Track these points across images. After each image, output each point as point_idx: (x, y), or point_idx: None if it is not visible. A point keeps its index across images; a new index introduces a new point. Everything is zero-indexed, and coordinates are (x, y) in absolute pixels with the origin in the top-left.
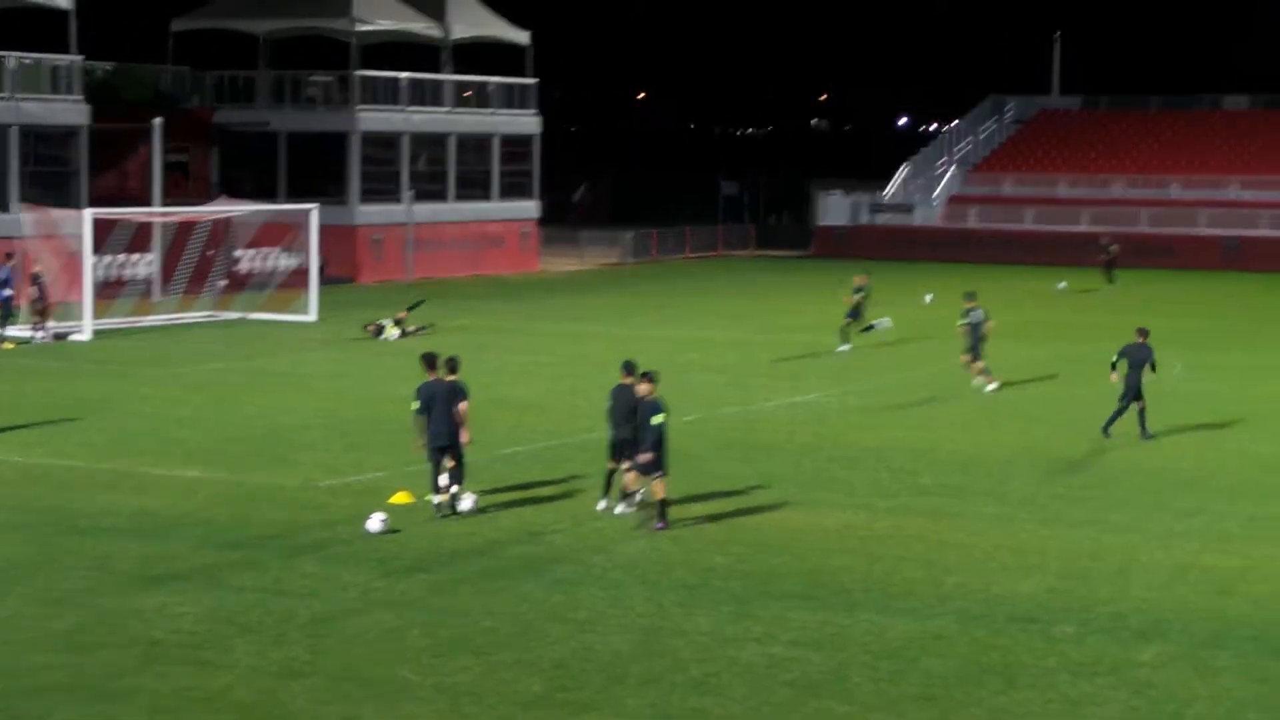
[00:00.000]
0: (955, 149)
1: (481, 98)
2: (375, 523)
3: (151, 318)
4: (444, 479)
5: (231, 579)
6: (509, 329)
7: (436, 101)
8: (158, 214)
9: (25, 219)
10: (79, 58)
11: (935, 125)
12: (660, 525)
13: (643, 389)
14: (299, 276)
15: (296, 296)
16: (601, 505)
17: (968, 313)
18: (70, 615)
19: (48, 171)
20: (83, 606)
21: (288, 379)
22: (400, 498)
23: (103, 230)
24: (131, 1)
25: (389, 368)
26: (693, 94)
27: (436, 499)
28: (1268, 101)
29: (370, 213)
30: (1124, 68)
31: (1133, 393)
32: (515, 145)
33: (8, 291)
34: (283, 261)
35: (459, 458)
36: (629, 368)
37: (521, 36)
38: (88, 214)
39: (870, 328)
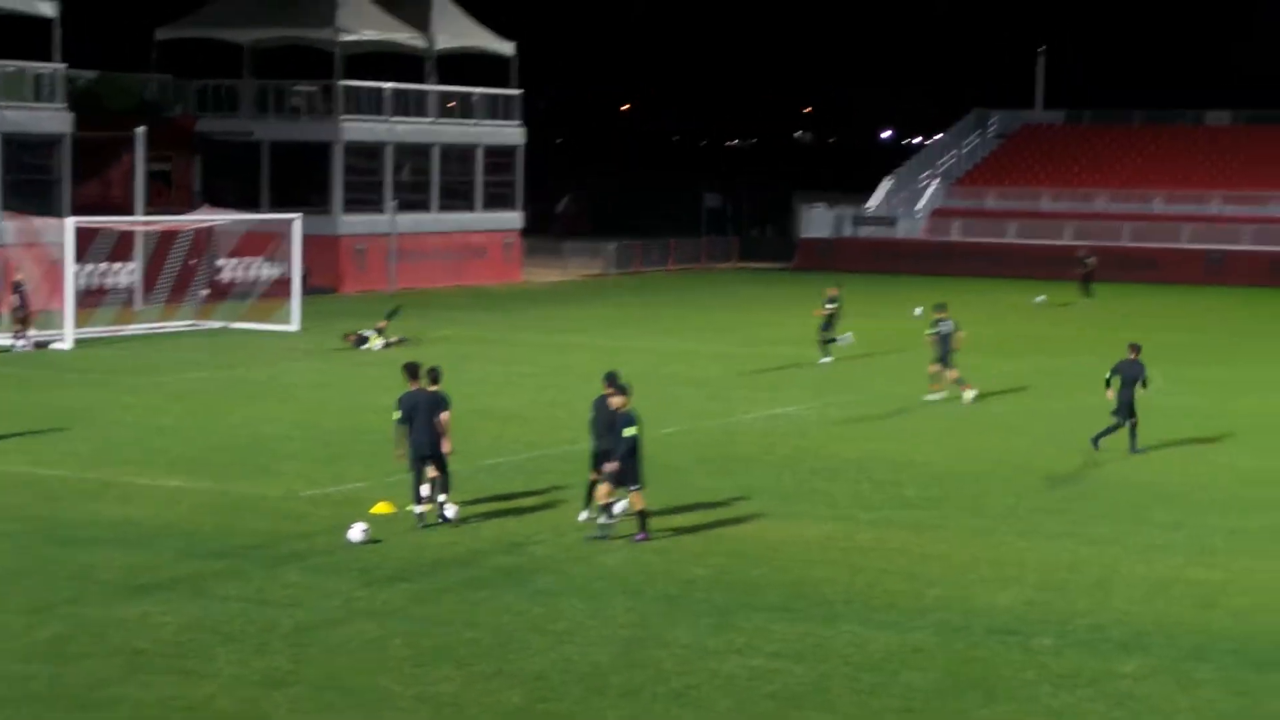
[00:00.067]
0: (939, 162)
1: (465, 108)
2: (357, 533)
3: (133, 326)
4: (425, 489)
5: (214, 588)
6: (492, 339)
7: (420, 112)
8: (140, 223)
9: (7, 227)
10: (62, 66)
11: (919, 139)
12: (641, 536)
13: (615, 401)
14: (281, 286)
15: (279, 306)
16: (584, 516)
17: (937, 323)
18: (53, 625)
19: (30, 179)
20: (66, 616)
21: (270, 389)
22: (381, 508)
23: (85, 239)
24: (115, 10)
25: (371, 378)
26: (677, 106)
27: (419, 509)
28: (1250, 117)
29: (353, 223)
30: (1107, 83)
31: (1126, 409)
32: (499, 156)
33: None
34: (265, 271)
35: (443, 467)
36: (612, 379)
37: (506, 47)
38: (70, 222)
39: (834, 340)
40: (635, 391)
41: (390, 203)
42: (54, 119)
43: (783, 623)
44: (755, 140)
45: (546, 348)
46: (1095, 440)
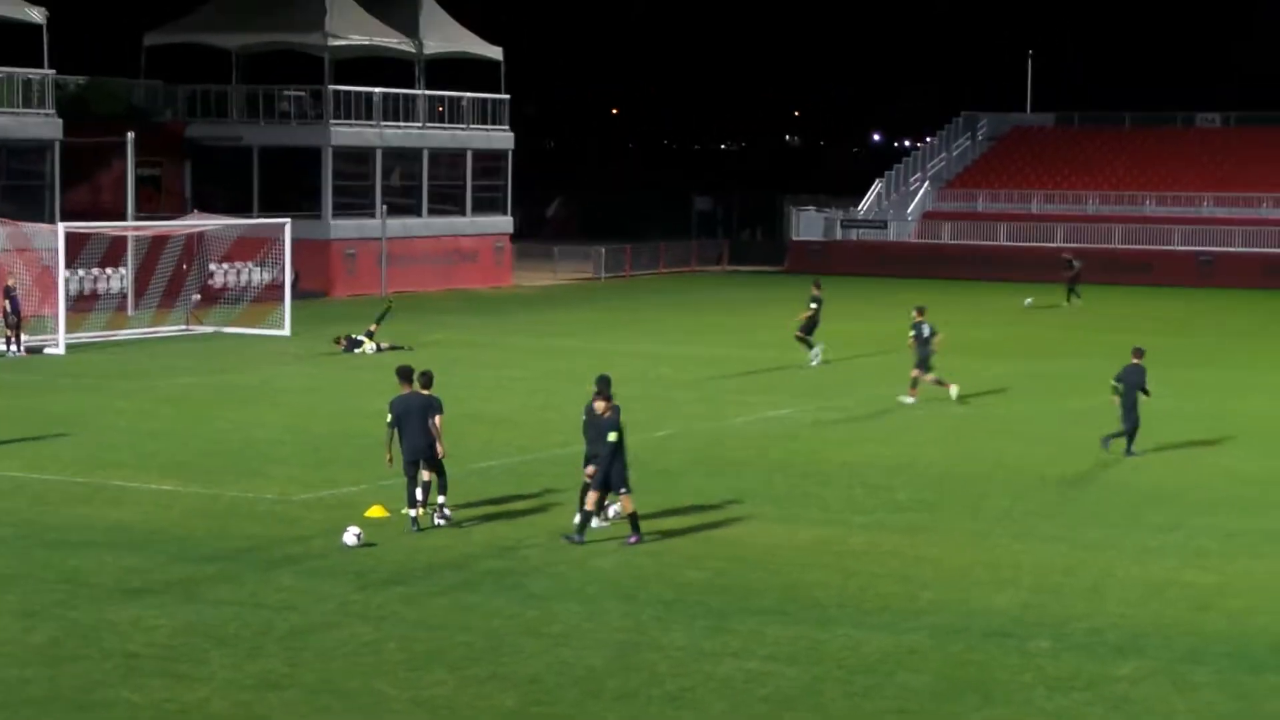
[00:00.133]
0: (929, 165)
1: (455, 113)
2: (350, 536)
3: (125, 332)
4: (419, 493)
5: (208, 592)
6: (482, 343)
7: (410, 116)
8: (130, 228)
9: None
10: (51, 71)
11: (909, 142)
12: (633, 539)
13: (599, 406)
14: (272, 291)
15: (270, 311)
16: (597, 524)
17: (916, 326)
18: (46, 628)
19: (20, 185)
20: (59, 619)
21: (261, 393)
22: (375, 512)
23: (76, 244)
24: (104, 15)
25: (362, 382)
26: (667, 110)
27: (413, 513)
28: (1240, 119)
29: (343, 227)
30: (1097, 85)
31: (1132, 414)
32: (488, 160)
33: None
34: (256, 276)
35: (439, 469)
36: (603, 383)
37: (495, 52)
38: (60, 228)
39: (810, 346)
40: (626, 395)
41: (380, 207)
42: (43, 125)
43: (777, 626)
44: (745, 143)
45: (537, 351)
46: (1105, 441)
